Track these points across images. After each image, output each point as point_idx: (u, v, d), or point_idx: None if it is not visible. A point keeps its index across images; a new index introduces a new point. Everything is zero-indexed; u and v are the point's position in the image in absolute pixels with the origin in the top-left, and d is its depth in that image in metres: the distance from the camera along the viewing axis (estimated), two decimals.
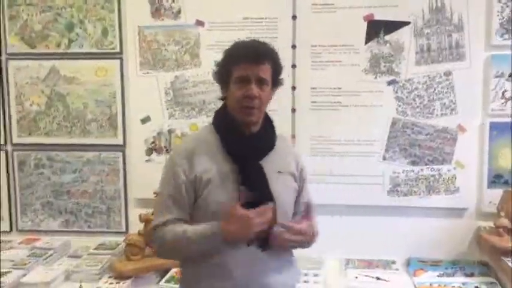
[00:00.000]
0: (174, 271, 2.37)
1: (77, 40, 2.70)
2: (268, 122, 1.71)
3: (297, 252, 2.53)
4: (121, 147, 2.73)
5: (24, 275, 2.34)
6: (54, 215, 2.80)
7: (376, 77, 2.52)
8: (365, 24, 2.50)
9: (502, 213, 2.36)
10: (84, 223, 2.79)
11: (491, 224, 2.44)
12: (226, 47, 1.66)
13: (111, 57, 2.69)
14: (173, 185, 1.59)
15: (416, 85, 2.50)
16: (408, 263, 2.50)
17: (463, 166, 2.50)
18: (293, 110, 2.58)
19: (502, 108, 2.46)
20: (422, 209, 2.55)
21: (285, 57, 2.50)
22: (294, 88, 2.57)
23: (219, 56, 1.67)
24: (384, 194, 2.55)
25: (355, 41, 2.51)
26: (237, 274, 1.55)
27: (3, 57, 2.75)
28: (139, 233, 2.41)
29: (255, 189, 1.56)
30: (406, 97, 2.51)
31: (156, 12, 2.62)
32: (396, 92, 2.51)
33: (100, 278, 2.35)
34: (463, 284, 2.26)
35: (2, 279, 2.26)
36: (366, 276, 2.33)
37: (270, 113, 2.58)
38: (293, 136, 2.58)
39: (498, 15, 2.43)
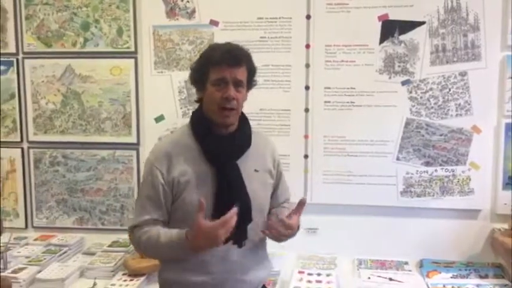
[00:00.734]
0: None
1: (92, 39, 2.73)
2: (243, 121, 1.74)
3: (309, 250, 2.54)
4: (135, 146, 2.75)
5: (40, 271, 2.37)
6: (69, 212, 2.83)
7: (390, 77, 2.51)
8: (379, 24, 2.49)
9: None
10: (98, 220, 2.81)
11: (505, 225, 2.42)
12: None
13: (126, 56, 2.71)
14: (151, 186, 1.63)
15: (431, 85, 2.48)
16: (421, 264, 2.48)
17: (478, 167, 2.48)
18: (306, 110, 2.58)
19: None
20: (435, 210, 2.54)
21: (298, 57, 2.55)
22: (307, 88, 2.57)
23: None
24: (397, 195, 2.54)
25: (370, 40, 2.50)
26: (214, 269, 1.62)
27: (20, 56, 2.79)
28: None
29: (231, 189, 1.61)
30: (421, 97, 2.49)
31: (171, 11, 2.63)
32: (410, 92, 2.50)
33: (114, 275, 2.37)
34: (477, 285, 2.24)
35: (18, 275, 2.28)
36: (379, 276, 2.33)
37: (283, 114, 2.61)
38: (306, 136, 2.59)
39: None
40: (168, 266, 1.70)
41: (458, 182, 2.51)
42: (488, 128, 2.47)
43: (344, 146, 2.56)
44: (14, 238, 2.69)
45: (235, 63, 1.61)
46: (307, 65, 2.55)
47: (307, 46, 2.55)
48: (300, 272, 2.35)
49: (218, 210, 1.58)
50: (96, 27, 2.71)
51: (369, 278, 2.32)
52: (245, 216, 1.61)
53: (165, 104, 2.66)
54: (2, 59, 2.78)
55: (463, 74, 2.46)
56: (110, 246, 2.65)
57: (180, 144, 1.66)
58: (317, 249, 2.60)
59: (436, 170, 2.52)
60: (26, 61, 2.79)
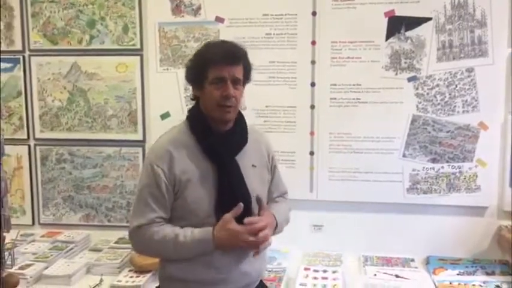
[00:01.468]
0: None
1: (98, 37, 2.73)
2: (239, 118, 1.75)
3: (314, 247, 2.53)
4: (141, 143, 2.76)
5: (47, 268, 2.38)
6: (75, 209, 2.84)
7: (396, 74, 2.50)
8: (386, 20, 2.47)
9: None
10: (104, 217, 2.82)
11: None
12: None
13: (131, 53, 2.71)
14: (154, 185, 1.63)
15: (438, 82, 2.47)
16: (427, 261, 2.47)
17: (484, 164, 2.47)
18: (312, 107, 2.57)
19: None
20: (442, 207, 2.53)
21: (304, 54, 2.54)
22: (313, 84, 2.56)
23: None
24: (404, 192, 2.54)
25: (376, 37, 2.49)
26: (218, 264, 1.63)
27: (26, 53, 2.80)
28: None
29: (232, 185, 1.64)
30: (427, 94, 2.48)
31: (176, 8, 2.63)
32: (417, 89, 2.49)
33: (120, 272, 2.38)
34: (484, 282, 2.23)
35: (25, 271, 2.30)
36: (385, 273, 2.32)
37: (288, 110, 2.61)
38: (312, 133, 2.58)
39: None
40: (170, 263, 1.69)
41: (465, 179, 2.49)
42: (495, 124, 2.45)
43: (350, 142, 2.56)
44: (21, 235, 2.71)
45: (233, 62, 1.63)
46: (313, 62, 2.55)
47: (313, 43, 2.54)
48: (305, 269, 2.35)
49: (220, 206, 1.62)
50: (102, 24, 2.72)
51: (375, 274, 2.32)
52: (246, 211, 1.63)
53: (170, 101, 2.66)
54: (8, 56, 2.79)
55: (470, 70, 2.45)
56: (116, 242, 2.66)
57: (179, 142, 1.67)
58: (323, 246, 2.60)
59: (442, 167, 2.51)
60: (33, 58, 2.80)
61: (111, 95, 2.75)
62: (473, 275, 2.32)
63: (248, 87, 2.55)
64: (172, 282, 1.70)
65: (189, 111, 1.76)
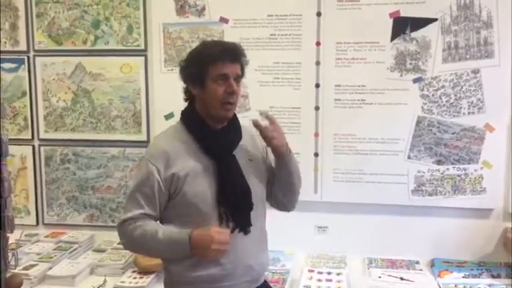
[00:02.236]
0: None
1: (102, 37, 2.73)
2: (233, 115, 1.75)
3: (319, 249, 2.53)
4: (145, 144, 2.74)
5: (51, 268, 2.38)
6: (79, 209, 2.85)
7: (401, 75, 2.48)
8: (391, 21, 2.46)
9: None
10: (108, 218, 2.82)
11: None
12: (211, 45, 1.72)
13: (136, 54, 2.71)
14: (146, 182, 1.63)
15: (443, 83, 2.46)
16: (432, 263, 2.46)
17: (490, 166, 2.45)
18: (316, 108, 2.56)
19: None
20: (447, 209, 2.51)
21: (309, 55, 2.53)
22: (317, 85, 2.55)
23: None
24: (409, 194, 2.52)
25: (381, 38, 2.48)
26: (223, 260, 1.62)
27: (31, 53, 2.80)
28: None
29: (232, 179, 1.65)
30: (432, 95, 2.47)
31: (181, 9, 2.63)
32: (422, 90, 2.48)
33: (124, 273, 2.38)
34: (489, 285, 2.22)
35: (29, 271, 2.31)
36: (390, 276, 2.31)
37: (293, 111, 2.61)
38: (316, 134, 2.57)
39: None
40: (174, 262, 1.68)
41: (470, 180, 2.48)
42: (501, 126, 2.43)
43: (354, 144, 2.54)
44: (25, 235, 2.71)
45: (235, 59, 1.65)
46: (318, 63, 2.54)
47: (318, 43, 2.53)
48: (310, 271, 2.35)
49: (222, 199, 1.63)
50: (106, 25, 2.72)
51: (380, 277, 2.31)
52: (246, 204, 1.66)
53: (175, 101, 2.58)
54: (13, 56, 2.80)
55: (475, 71, 2.43)
56: (119, 243, 2.65)
57: (177, 141, 1.68)
58: (327, 247, 2.59)
59: (447, 169, 2.49)
60: (37, 59, 2.80)
61: (115, 95, 2.75)
62: (479, 277, 2.30)
63: (252, 88, 2.58)
64: (179, 285, 1.69)
65: (183, 112, 1.76)
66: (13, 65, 2.80)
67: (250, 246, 1.68)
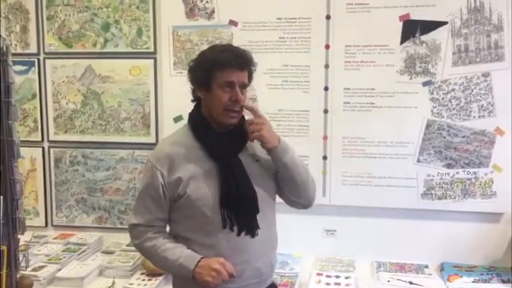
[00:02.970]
0: None
1: (112, 40, 2.75)
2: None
3: (327, 253, 2.51)
4: (154, 146, 2.72)
5: (59, 270, 2.39)
6: (88, 211, 2.86)
7: (411, 78, 2.47)
8: (400, 24, 2.45)
9: None
10: (116, 220, 2.83)
11: None
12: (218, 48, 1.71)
13: (145, 56, 2.72)
14: (151, 186, 1.66)
15: (453, 86, 2.44)
16: (442, 267, 2.44)
17: (500, 170, 2.44)
18: (325, 111, 2.56)
19: None
20: (457, 213, 2.50)
21: (318, 58, 2.53)
22: (326, 89, 2.55)
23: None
24: (418, 197, 2.51)
25: (390, 41, 2.47)
26: (231, 262, 1.62)
27: (41, 56, 2.82)
28: None
29: (236, 182, 1.64)
30: (442, 98, 2.46)
31: (190, 12, 2.64)
32: (432, 93, 2.46)
33: (132, 274, 2.39)
34: None
35: (38, 273, 2.32)
36: (399, 280, 2.30)
37: (301, 114, 2.60)
38: (325, 137, 2.57)
39: None
40: None
41: (480, 184, 2.46)
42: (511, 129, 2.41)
43: (363, 147, 2.54)
44: (34, 236, 2.72)
45: (243, 67, 1.64)
46: (327, 66, 2.53)
47: (327, 46, 2.53)
48: (318, 274, 2.34)
49: (225, 202, 1.63)
50: (116, 27, 2.73)
51: (389, 281, 2.30)
52: (252, 207, 1.66)
53: (183, 104, 2.58)
54: (23, 59, 2.81)
55: (486, 74, 2.42)
56: (128, 245, 2.65)
57: (181, 145, 1.69)
58: (335, 251, 2.58)
59: (457, 172, 2.48)
60: (47, 61, 2.82)
61: (124, 98, 2.76)
62: (489, 282, 2.29)
63: (261, 90, 2.58)
64: (185, 285, 1.69)
65: (190, 114, 1.76)
66: (23, 68, 2.82)
67: (258, 248, 1.68)
